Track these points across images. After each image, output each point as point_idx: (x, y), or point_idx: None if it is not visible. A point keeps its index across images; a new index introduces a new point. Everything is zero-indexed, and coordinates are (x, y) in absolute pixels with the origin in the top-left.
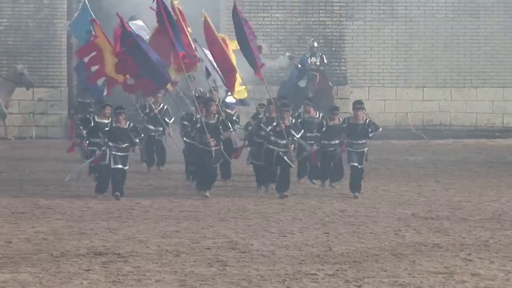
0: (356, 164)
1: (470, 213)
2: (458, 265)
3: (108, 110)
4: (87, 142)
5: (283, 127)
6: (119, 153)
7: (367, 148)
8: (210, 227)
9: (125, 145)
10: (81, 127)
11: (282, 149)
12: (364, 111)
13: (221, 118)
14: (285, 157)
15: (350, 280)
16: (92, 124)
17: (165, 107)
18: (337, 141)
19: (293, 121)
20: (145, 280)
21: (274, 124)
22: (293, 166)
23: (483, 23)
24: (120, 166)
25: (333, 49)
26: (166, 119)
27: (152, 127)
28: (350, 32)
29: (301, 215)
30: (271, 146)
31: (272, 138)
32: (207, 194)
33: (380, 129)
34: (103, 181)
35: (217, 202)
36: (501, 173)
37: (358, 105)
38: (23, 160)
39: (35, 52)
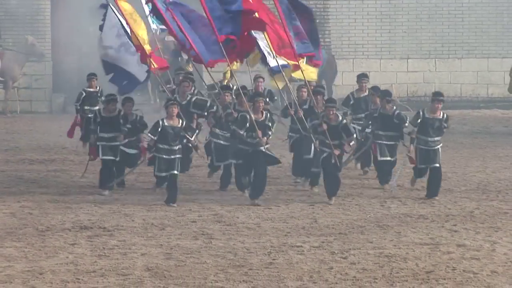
0: (437, 165)
1: (456, 184)
2: (443, 236)
3: (113, 106)
4: (96, 137)
5: (326, 127)
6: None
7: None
8: (195, 200)
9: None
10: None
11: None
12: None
13: (269, 114)
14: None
15: (336, 251)
16: (99, 119)
17: (193, 99)
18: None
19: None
20: (130, 254)
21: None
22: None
23: None
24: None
25: (317, 21)
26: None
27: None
28: (334, 4)
29: (286, 187)
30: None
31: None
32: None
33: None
34: (108, 176)
35: (203, 176)
36: (486, 144)
37: (437, 96)
38: (7, 134)
39: (19, 26)
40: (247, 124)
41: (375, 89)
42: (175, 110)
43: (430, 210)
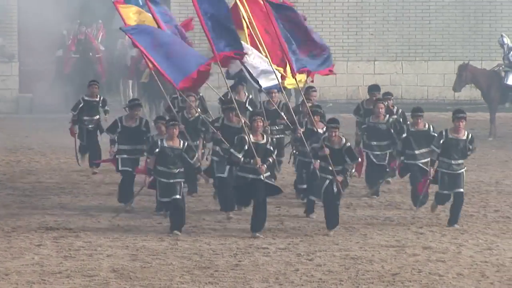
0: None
1: None
2: (409, 238)
3: (137, 112)
4: (115, 147)
5: (327, 152)
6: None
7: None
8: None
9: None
10: (109, 133)
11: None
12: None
13: (271, 137)
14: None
15: (302, 253)
16: (120, 128)
17: (201, 117)
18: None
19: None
20: (96, 255)
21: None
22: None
23: None
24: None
25: None
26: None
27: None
28: (301, 6)
29: None
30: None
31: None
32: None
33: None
34: (128, 188)
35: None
36: None
37: (458, 114)
38: None
39: None
40: (245, 147)
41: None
42: (176, 132)
43: (396, 212)
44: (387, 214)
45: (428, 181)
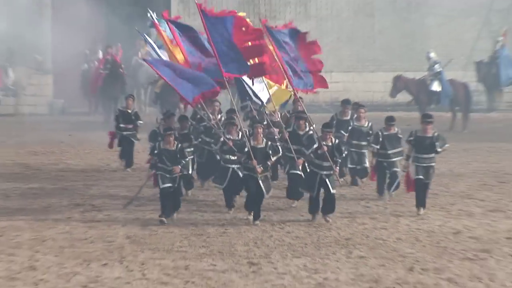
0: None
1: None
2: (359, 211)
3: (171, 121)
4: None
5: (326, 149)
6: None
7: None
8: None
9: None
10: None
11: (325, 172)
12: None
13: (270, 142)
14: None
15: (275, 223)
16: (157, 151)
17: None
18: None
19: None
20: (114, 225)
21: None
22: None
23: (377, 20)
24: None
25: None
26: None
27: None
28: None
29: None
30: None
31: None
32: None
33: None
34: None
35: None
36: None
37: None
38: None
39: None
40: (246, 149)
41: (345, 101)
42: (172, 140)
43: (349, 191)
44: (342, 192)
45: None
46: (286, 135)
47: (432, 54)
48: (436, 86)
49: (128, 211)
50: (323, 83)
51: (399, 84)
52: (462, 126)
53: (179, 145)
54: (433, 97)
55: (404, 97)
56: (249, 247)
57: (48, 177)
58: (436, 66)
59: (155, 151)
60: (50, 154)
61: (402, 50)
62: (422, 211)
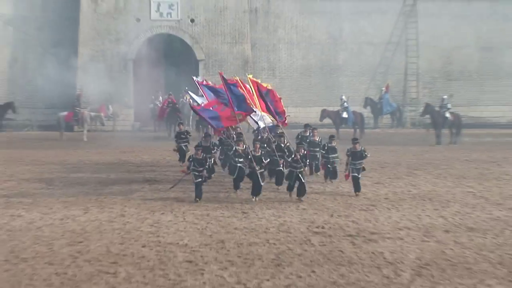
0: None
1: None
2: (312, 187)
3: (199, 151)
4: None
5: (299, 157)
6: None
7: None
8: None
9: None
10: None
11: (298, 170)
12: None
13: (263, 151)
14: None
15: (254, 197)
16: (191, 159)
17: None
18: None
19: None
20: (167, 192)
21: (293, 157)
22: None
23: (312, 78)
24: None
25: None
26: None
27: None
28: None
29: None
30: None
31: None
32: (254, 199)
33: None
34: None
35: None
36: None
37: (355, 140)
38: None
39: None
40: (249, 156)
41: (306, 126)
42: (200, 153)
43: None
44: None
45: (347, 173)
46: (274, 146)
47: (343, 97)
48: (345, 115)
49: (174, 189)
50: (284, 120)
51: (324, 113)
52: (359, 136)
53: (204, 155)
54: (343, 121)
55: (327, 121)
56: (242, 204)
57: (131, 165)
58: (345, 103)
59: (190, 159)
60: (126, 157)
61: (327, 94)
62: (359, 193)
